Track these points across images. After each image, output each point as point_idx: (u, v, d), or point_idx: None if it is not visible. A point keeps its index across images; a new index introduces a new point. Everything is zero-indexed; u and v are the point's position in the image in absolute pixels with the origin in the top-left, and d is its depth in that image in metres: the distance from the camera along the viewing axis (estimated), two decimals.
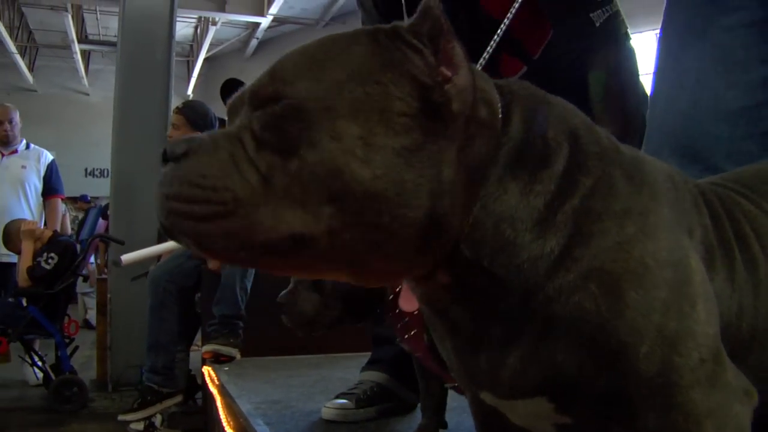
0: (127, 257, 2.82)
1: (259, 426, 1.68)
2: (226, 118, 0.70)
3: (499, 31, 1.11)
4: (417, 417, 1.77)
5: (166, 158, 0.64)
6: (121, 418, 3.12)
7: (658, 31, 1.29)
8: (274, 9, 12.57)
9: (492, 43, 1.11)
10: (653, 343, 0.65)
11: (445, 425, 1.58)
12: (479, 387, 0.75)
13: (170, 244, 3.27)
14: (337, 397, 1.79)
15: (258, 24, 12.94)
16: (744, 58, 1.18)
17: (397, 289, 1.37)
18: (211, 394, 2.53)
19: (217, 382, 2.42)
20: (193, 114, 3.63)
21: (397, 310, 1.38)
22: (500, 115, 0.68)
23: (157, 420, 3.28)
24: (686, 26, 1.25)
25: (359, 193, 0.60)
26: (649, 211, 0.69)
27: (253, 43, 14.08)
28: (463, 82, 0.65)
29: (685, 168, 0.98)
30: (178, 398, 3.11)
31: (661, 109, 1.25)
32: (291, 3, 13.13)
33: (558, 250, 0.66)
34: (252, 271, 2.90)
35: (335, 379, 2.25)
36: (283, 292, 1.42)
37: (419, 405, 1.76)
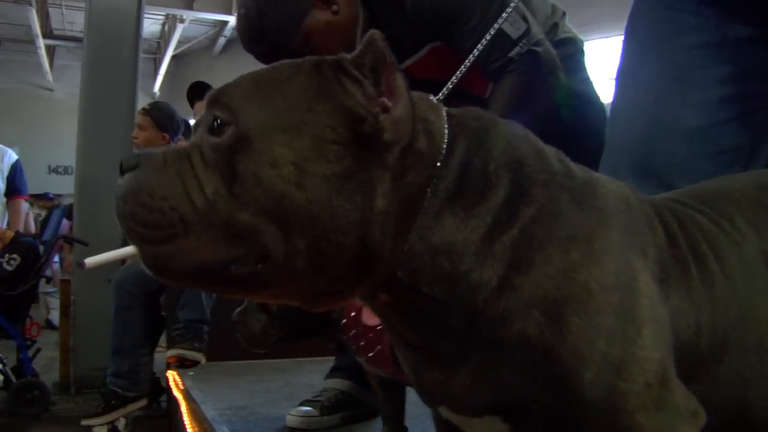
0: (91, 260, 2.78)
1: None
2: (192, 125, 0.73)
3: (449, 84, 1.13)
4: (380, 423, 1.79)
5: (122, 170, 0.68)
6: (84, 422, 3.08)
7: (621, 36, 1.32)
8: None
9: (447, 86, 1.13)
10: (598, 369, 0.67)
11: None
12: (435, 401, 0.77)
13: (132, 248, 3.24)
14: (302, 404, 1.80)
15: (226, 22, 12.82)
16: (701, 78, 1.20)
17: (358, 306, 1.39)
18: (175, 399, 2.51)
19: (181, 387, 2.41)
20: (160, 115, 3.60)
21: (360, 327, 1.40)
22: (444, 147, 0.70)
23: (121, 424, 3.26)
24: (646, 45, 1.27)
25: (297, 216, 0.63)
26: (596, 236, 0.71)
27: (221, 41, 13.96)
28: (400, 112, 0.67)
29: (641, 185, 0.99)
30: (143, 402, 3.08)
31: (619, 128, 1.28)
32: None
33: (496, 280, 0.67)
34: None
35: (300, 385, 2.26)
36: (237, 309, 1.46)
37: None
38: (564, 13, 1.81)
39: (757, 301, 0.83)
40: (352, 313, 1.39)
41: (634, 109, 1.26)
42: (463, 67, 1.13)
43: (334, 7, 1.59)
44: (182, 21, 12.08)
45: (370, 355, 1.41)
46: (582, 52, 1.81)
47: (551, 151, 0.76)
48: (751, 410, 0.83)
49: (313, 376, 2.28)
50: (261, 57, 1.64)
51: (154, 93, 13.45)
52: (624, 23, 1.34)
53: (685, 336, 0.76)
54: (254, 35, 1.62)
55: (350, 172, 0.65)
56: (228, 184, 0.64)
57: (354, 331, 1.40)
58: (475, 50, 1.16)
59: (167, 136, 3.82)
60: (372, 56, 0.67)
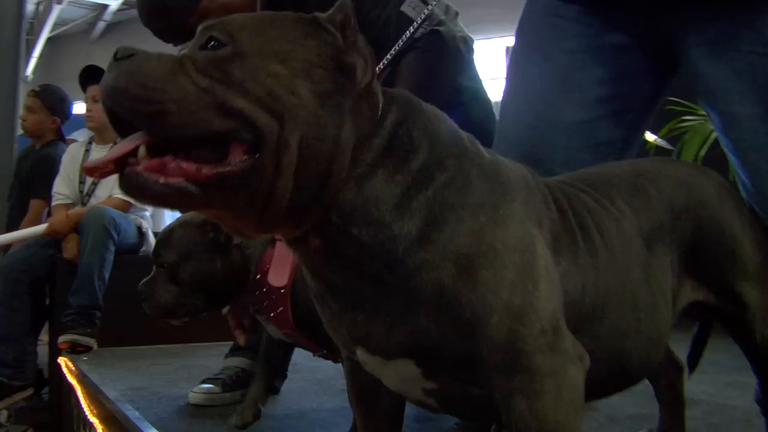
0: None
1: (129, 411, 1.72)
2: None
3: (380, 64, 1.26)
4: (280, 399, 1.88)
5: (116, 57, 0.74)
6: None
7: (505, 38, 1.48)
8: None
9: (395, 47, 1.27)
10: (502, 315, 0.79)
11: (276, 391, 1.73)
12: (355, 342, 0.87)
13: (23, 232, 3.16)
14: (203, 382, 1.87)
15: (106, 6, 12.39)
16: (581, 79, 1.36)
17: (266, 268, 1.47)
18: (68, 385, 2.49)
19: (76, 372, 2.39)
20: (51, 99, 3.52)
21: (264, 289, 1.48)
22: (379, 112, 0.82)
23: (3, 416, 3.17)
24: (534, 47, 1.42)
25: (290, 113, 0.74)
26: (501, 205, 0.84)
27: (101, 25, 13.44)
28: (364, 59, 0.80)
29: None
30: (29, 391, 3.01)
31: (509, 121, 1.43)
32: None
33: (415, 232, 0.79)
34: (110, 261, 2.87)
35: (197, 367, 2.31)
36: (143, 280, 1.50)
37: (280, 387, 1.89)
38: (457, 13, 1.95)
39: (632, 268, 0.99)
40: (258, 276, 1.47)
41: (523, 105, 1.41)
42: (393, 50, 1.28)
43: None
44: (59, 2, 11.55)
45: (272, 315, 1.50)
46: (472, 51, 1.97)
47: (464, 134, 0.88)
48: (628, 360, 1.00)
49: (209, 359, 2.34)
50: (159, 34, 1.72)
51: (26, 76, 12.77)
52: (507, 25, 1.50)
53: (573, 295, 0.90)
54: (155, 11, 1.70)
55: (330, 93, 0.77)
56: (223, 85, 0.72)
57: (258, 292, 1.49)
58: (400, 40, 1.30)
59: (58, 120, 3.73)
60: (341, 16, 0.79)
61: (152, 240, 3.22)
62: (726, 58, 1.26)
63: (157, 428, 1.59)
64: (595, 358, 0.89)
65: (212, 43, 0.75)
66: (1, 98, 4.24)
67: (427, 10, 1.53)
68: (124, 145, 0.72)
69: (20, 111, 3.81)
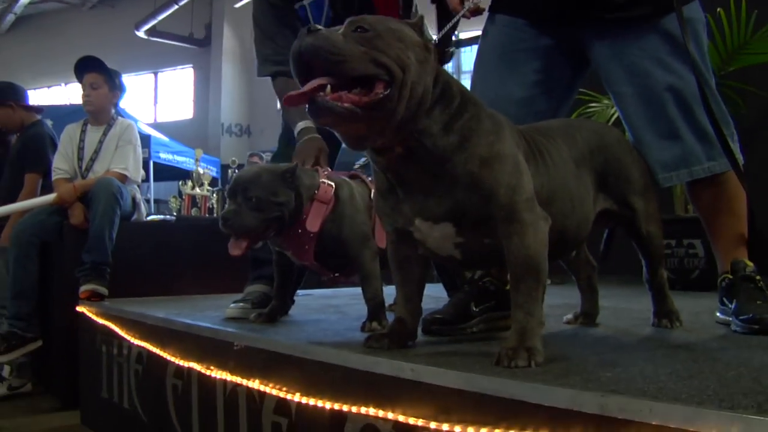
0: None
1: (183, 319, 2.19)
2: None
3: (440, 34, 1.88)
4: (290, 315, 2.38)
5: (309, 30, 1.27)
6: None
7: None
8: None
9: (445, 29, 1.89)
10: (506, 188, 1.38)
11: (292, 302, 2.31)
12: (415, 214, 1.43)
13: (33, 201, 3.50)
14: (236, 302, 2.36)
15: None
16: (524, 68, 2.03)
17: (304, 218, 2.01)
18: (93, 329, 2.90)
19: (105, 313, 2.80)
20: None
21: (299, 230, 2.02)
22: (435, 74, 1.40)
23: (6, 371, 3.51)
24: (493, 47, 2.09)
25: (407, 67, 1.31)
26: (499, 132, 1.43)
27: (10, 17, 13.21)
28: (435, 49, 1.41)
29: None
30: (39, 343, 3.35)
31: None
32: None
33: (456, 142, 1.37)
34: (117, 224, 3.30)
35: (207, 306, 2.68)
36: (227, 209, 1.99)
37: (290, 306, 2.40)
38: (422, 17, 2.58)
39: (568, 177, 1.61)
40: (299, 229, 2.02)
41: (486, 87, 2.05)
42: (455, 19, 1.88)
43: None
44: None
45: (299, 250, 2.06)
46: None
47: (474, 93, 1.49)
48: (567, 232, 1.60)
49: (211, 302, 2.79)
50: None
51: None
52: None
53: (536, 187, 1.47)
54: None
55: (422, 60, 1.34)
56: (373, 49, 1.28)
57: (293, 232, 2.03)
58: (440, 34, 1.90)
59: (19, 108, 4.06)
60: (419, 21, 1.41)
61: (143, 209, 3.66)
62: (617, 57, 1.96)
63: (211, 328, 2.01)
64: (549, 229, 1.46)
65: (359, 29, 1.30)
66: None
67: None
68: (312, 85, 1.26)
69: None
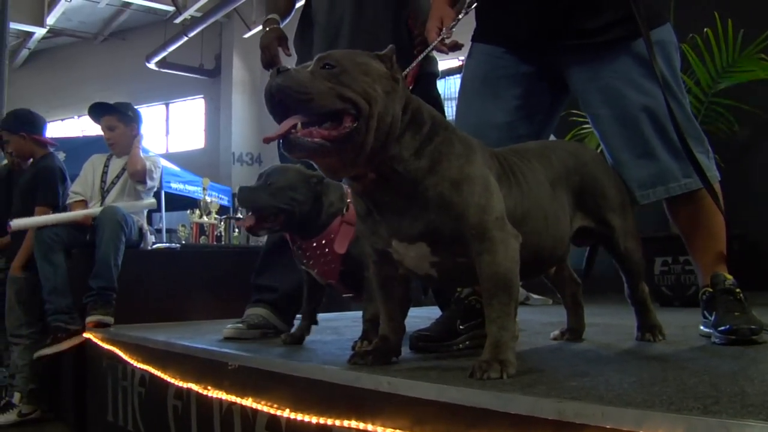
0: (15, 223, 3.22)
1: (183, 342, 2.27)
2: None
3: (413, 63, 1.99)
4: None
5: (279, 71, 1.34)
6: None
7: None
8: (51, 20, 12.24)
9: (411, 65, 1.98)
10: (475, 208, 1.44)
11: (316, 323, 2.34)
12: (391, 235, 1.50)
13: (54, 217, 3.57)
14: (233, 323, 2.44)
15: (31, 34, 12.48)
16: (505, 94, 2.11)
17: (332, 236, 2.11)
18: (99, 355, 2.97)
19: (111, 339, 2.88)
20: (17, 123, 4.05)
21: (326, 250, 2.12)
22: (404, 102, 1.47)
23: (16, 398, 3.59)
24: (476, 74, 2.17)
25: (374, 100, 1.37)
26: (470, 155, 1.49)
27: (24, 53, 13.49)
28: (403, 79, 1.48)
29: None
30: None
31: (459, 122, 2.13)
32: (69, 15, 12.87)
33: (426, 167, 1.44)
34: (122, 251, 3.39)
35: (207, 330, 2.75)
36: (246, 187, 2.11)
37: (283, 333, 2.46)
38: (393, 48, 2.71)
39: (542, 197, 1.67)
40: (324, 241, 2.11)
41: (470, 112, 2.13)
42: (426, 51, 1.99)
43: None
44: None
45: (325, 269, 2.15)
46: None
47: (447, 119, 1.56)
48: (543, 250, 1.66)
49: (211, 326, 2.85)
50: None
51: None
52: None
53: (509, 209, 1.54)
54: None
55: (389, 91, 1.40)
56: (339, 84, 1.35)
57: (320, 251, 2.12)
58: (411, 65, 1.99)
59: (36, 138, 4.14)
60: (390, 54, 1.46)
61: (149, 238, 3.75)
62: (592, 80, 2.03)
63: (207, 349, 2.08)
64: (522, 246, 1.48)
65: (326, 66, 1.38)
66: None
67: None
68: (286, 124, 1.34)
69: None
